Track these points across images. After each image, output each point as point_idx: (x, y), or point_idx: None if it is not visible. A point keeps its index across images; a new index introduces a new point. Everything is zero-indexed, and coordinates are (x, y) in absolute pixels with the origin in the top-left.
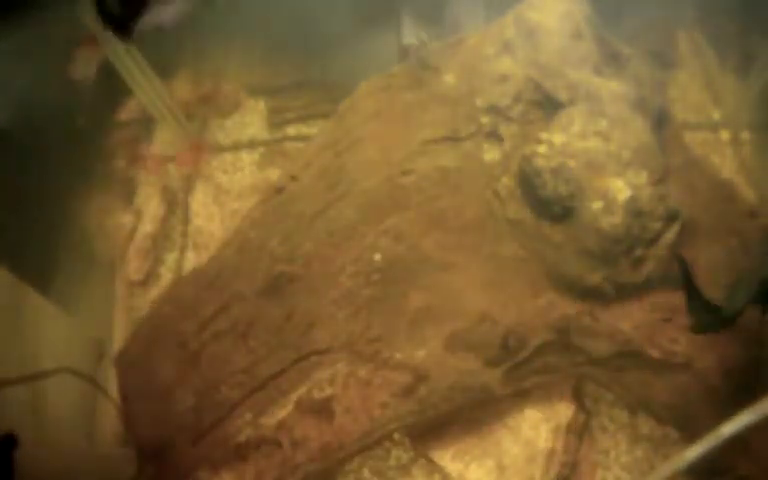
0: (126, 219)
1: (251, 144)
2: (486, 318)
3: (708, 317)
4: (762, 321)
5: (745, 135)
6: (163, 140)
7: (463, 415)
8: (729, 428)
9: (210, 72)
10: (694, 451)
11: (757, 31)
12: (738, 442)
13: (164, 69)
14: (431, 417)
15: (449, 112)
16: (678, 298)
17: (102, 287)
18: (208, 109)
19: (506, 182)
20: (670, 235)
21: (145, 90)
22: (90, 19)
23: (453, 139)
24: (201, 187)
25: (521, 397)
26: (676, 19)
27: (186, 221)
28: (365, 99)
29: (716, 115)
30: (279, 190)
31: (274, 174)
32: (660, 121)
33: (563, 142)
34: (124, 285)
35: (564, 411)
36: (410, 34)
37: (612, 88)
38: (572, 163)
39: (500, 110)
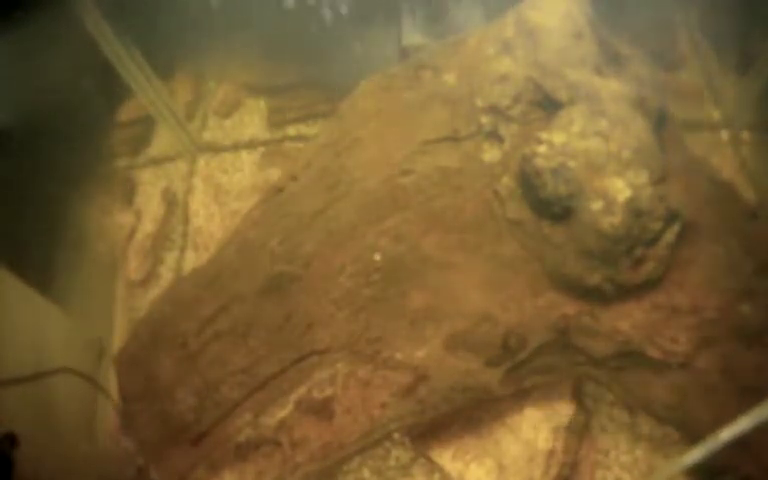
0: (126, 219)
1: (251, 144)
2: (486, 318)
3: None
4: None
5: (745, 135)
6: (163, 140)
7: (463, 415)
8: (727, 433)
9: (210, 72)
10: (692, 456)
11: (757, 31)
12: (738, 442)
13: (164, 69)
14: (431, 417)
15: (449, 112)
16: (678, 298)
17: (102, 287)
18: (208, 109)
19: (506, 182)
20: (670, 235)
21: (145, 90)
22: (90, 19)
23: (453, 139)
24: (201, 187)
25: (521, 397)
26: (676, 19)
27: (186, 221)
28: (365, 99)
29: (716, 115)
30: (279, 190)
31: (274, 174)
32: (660, 121)
33: (563, 142)
34: (124, 285)
35: (564, 411)
36: (410, 34)
37: (612, 88)
38: (572, 163)
39: (500, 110)
